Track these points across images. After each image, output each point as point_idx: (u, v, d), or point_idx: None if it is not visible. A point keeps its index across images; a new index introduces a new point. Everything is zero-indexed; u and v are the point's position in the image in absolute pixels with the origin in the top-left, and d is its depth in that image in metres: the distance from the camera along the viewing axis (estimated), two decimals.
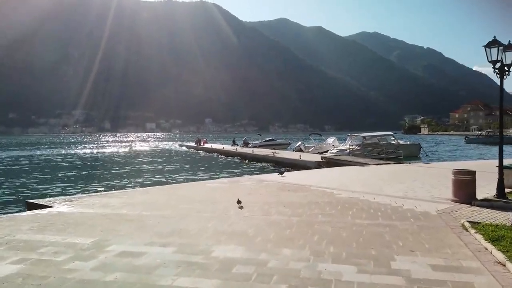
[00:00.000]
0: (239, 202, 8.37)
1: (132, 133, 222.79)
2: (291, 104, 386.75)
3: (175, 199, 9.26)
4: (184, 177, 18.74)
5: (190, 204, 8.47)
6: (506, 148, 46.15)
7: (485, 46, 7.82)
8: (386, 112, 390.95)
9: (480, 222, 6.13)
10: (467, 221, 6.25)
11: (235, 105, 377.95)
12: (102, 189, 14.55)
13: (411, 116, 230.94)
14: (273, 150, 31.02)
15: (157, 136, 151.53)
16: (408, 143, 33.31)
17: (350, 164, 19.06)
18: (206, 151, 41.29)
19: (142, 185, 15.76)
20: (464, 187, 8.03)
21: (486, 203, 7.66)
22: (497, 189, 8.12)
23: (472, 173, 8.06)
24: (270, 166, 24.50)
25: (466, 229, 5.89)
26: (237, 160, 30.49)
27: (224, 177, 17.49)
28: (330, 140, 34.67)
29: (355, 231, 6.02)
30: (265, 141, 44.00)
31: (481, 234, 5.44)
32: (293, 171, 21.39)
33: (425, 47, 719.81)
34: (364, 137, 30.25)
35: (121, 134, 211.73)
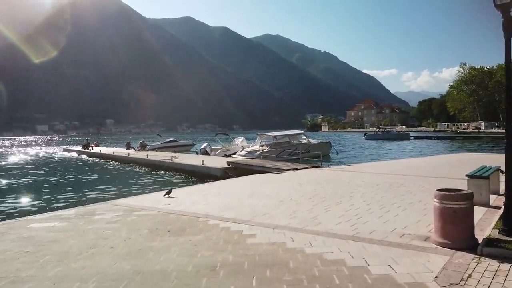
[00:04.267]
0: None
1: (19, 137, 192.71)
2: (198, 104, 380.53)
3: None
4: (26, 204, 12.97)
5: None
6: (391, 145, 48.82)
7: None
8: (289, 111, 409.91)
9: None
10: None
11: (139, 105, 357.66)
12: None
13: (312, 115, 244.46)
14: (172, 154, 26.36)
15: (47, 140, 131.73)
16: (319, 141, 31.61)
17: (262, 170, 15.56)
18: (92, 157, 34.47)
19: None
20: (459, 222, 4.75)
21: (501, 251, 4.45)
22: (503, 217, 5.01)
23: (469, 197, 4.83)
24: (165, 176, 19.85)
25: None
26: (128, 168, 25.03)
27: (84, 201, 12.35)
28: (238, 140, 31.33)
29: None
30: (166, 142, 38.77)
31: None
32: (194, 181, 17.22)
33: (322, 51, 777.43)
34: (274, 136, 27.44)
35: (5, 138, 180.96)
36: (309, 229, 5.98)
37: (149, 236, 5.91)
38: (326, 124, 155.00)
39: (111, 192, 14.48)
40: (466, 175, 7.23)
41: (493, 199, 7.46)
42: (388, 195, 8.68)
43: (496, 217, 5.90)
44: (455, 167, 14.31)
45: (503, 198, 7.55)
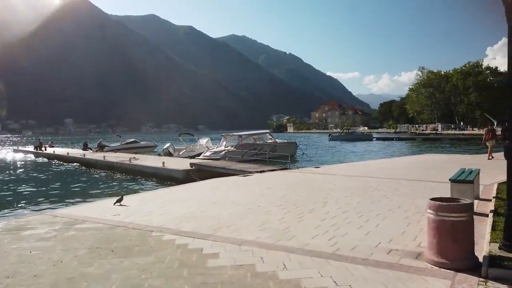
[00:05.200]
0: None
1: None
2: (163, 103, 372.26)
3: None
4: None
5: None
6: (360, 144, 49.23)
7: None
8: (255, 112, 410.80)
9: None
10: None
11: (101, 104, 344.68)
12: None
13: (277, 116, 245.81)
14: (131, 155, 24.74)
15: None
16: (285, 141, 31.05)
17: (228, 172, 14.60)
18: (44, 158, 31.96)
19: None
20: (458, 237, 4.05)
21: (510, 272, 3.77)
22: (505, 230, 4.36)
23: (470, 208, 4.14)
24: (121, 179, 18.38)
25: None
26: (82, 170, 23.17)
27: (21, 211, 10.84)
28: (203, 141, 30.16)
29: None
30: (126, 143, 36.85)
31: None
32: (154, 185, 15.97)
33: (287, 53, 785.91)
34: (240, 136, 26.57)
35: None
36: (281, 245, 5.11)
37: (86, 258, 4.79)
38: (292, 125, 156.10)
39: (56, 200, 12.92)
40: (450, 179, 6.66)
41: (476, 204, 6.95)
42: (364, 201, 8.00)
43: (487, 227, 5.31)
44: (424, 169, 14.07)
45: (485, 203, 7.10)
